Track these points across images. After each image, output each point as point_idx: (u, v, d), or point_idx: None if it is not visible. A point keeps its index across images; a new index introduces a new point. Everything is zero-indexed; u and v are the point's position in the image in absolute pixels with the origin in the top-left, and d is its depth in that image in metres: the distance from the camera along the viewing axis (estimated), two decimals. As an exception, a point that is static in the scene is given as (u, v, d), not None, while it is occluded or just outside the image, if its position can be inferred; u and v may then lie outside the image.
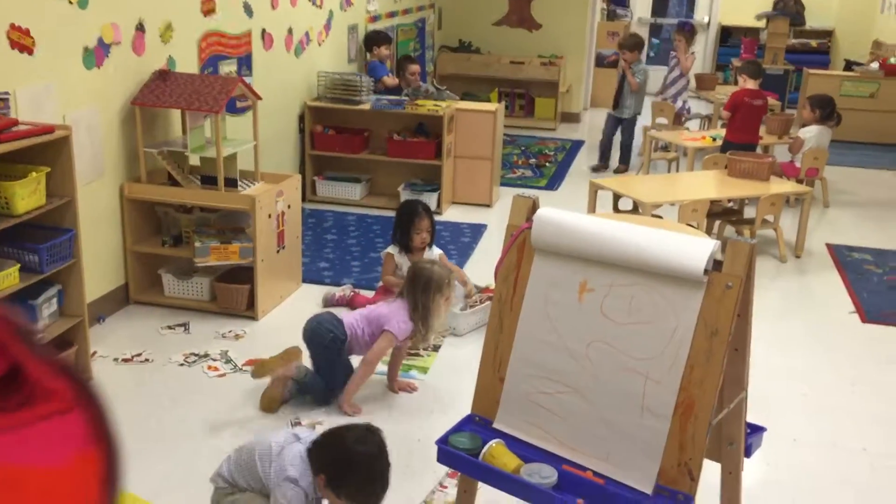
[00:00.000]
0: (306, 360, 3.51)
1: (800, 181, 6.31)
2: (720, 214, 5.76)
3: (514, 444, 2.25)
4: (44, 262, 3.18)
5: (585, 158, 8.10)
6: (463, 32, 9.45)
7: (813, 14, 11.50)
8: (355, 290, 4.51)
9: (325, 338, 3.40)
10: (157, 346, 3.87)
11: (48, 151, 3.19)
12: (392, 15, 7.77)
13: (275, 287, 4.35)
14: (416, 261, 3.61)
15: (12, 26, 3.34)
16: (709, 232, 5.62)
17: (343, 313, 3.49)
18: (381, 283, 4.40)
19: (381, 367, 3.55)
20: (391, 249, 4.33)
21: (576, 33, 9.38)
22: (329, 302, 4.43)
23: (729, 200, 5.74)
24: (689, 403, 2.02)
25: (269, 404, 3.37)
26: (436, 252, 4.41)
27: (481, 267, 4.92)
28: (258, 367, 3.37)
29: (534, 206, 2.32)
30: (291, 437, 2.44)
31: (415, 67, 6.84)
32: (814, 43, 11.36)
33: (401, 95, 6.39)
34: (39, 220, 3.18)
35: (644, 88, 7.44)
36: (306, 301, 4.46)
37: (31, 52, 3.45)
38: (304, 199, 5.89)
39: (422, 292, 3.39)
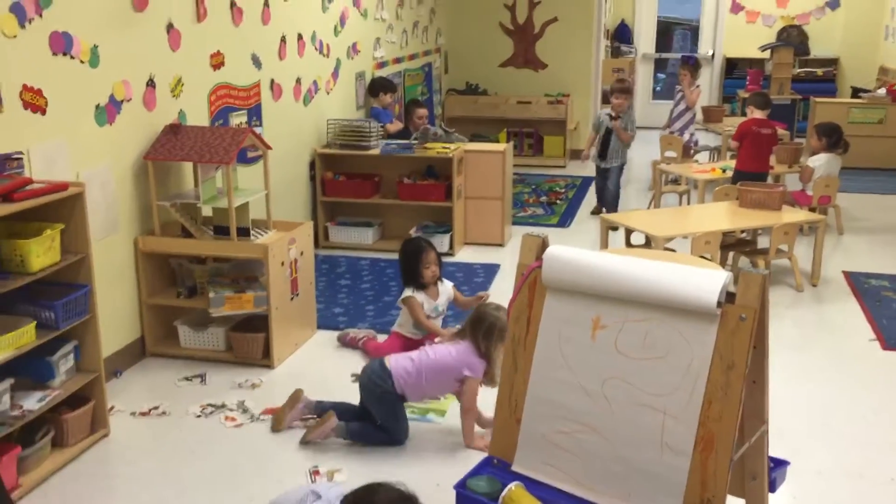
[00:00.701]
0: (315, 395, 3.68)
1: (812, 209, 6.29)
2: (734, 245, 5.73)
3: (533, 486, 2.22)
4: (59, 319, 3.20)
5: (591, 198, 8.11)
6: (469, 75, 9.55)
7: (817, 43, 11.56)
8: (369, 334, 4.48)
9: (374, 392, 3.42)
10: (173, 399, 3.86)
11: (62, 208, 3.22)
12: (399, 61, 7.87)
13: (290, 334, 4.34)
14: (481, 305, 3.60)
15: (25, 87, 3.40)
16: (723, 263, 5.59)
17: (392, 360, 3.48)
18: (394, 329, 4.41)
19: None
20: (410, 292, 4.32)
21: (581, 71, 9.46)
22: (343, 341, 4.45)
23: (742, 231, 5.72)
24: (708, 439, 2.00)
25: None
26: (448, 285, 4.41)
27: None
28: (274, 420, 3.58)
29: (543, 245, 2.32)
30: (311, 496, 2.33)
31: (422, 111, 6.90)
32: (819, 72, 11.40)
33: (409, 139, 6.45)
34: (55, 277, 3.20)
35: (633, 137, 7.29)
36: (322, 347, 4.45)
37: (43, 112, 3.51)
38: (316, 246, 5.90)
39: (484, 337, 3.39)
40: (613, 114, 6.98)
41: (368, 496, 2.00)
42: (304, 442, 3.44)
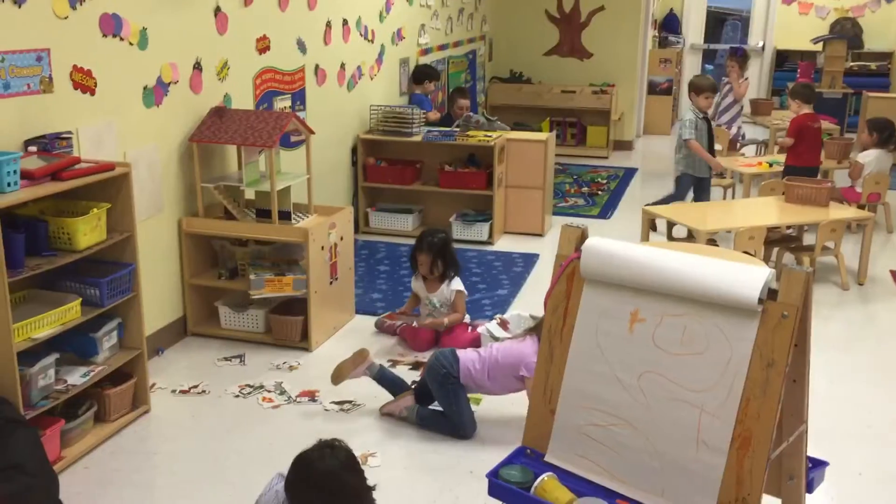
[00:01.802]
0: (377, 356, 4.01)
1: (861, 207, 6.16)
2: (778, 241, 5.64)
3: (566, 477, 2.22)
4: (104, 296, 3.26)
5: (639, 186, 8.03)
6: (514, 63, 9.50)
7: (871, 36, 11.28)
8: (406, 320, 4.50)
9: (438, 373, 3.44)
10: (213, 378, 3.92)
11: (109, 188, 3.28)
12: (443, 48, 7.85)
13: (328, 318, 4.38)
14: None
15: (75, 67, 3.46)
16: (766, 260, 5.50)
17: (462, 352, 3.52)
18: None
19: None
20: (414, 282, 4.45)
21: (627, 61, 9.36)
22: (380, 327, 4.50)
23: (787, 227, 5.62)
24: (746, 437, 1.97)
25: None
26: (452, 288, 4.34)
27: (534, 297, 4.90)
28: (335, 373, 3.70)
29: (582, 236, 2.31)
30: (277, 478, 2.37)
31: (465, 102, 6.87)
32: (873, 66, 11.12)
33: (451, 126, 6.44)
34: (100, 255, 3.26)
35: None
36: (359, 332, 4.49)
37: (93, 93, 3.57)
38: (356, 231, 5.94)
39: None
40: (703, 114, 6.10)
41: (301, 454, 2.23)
42: (382, 413, 3.55)
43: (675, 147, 6.29)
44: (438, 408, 3.48)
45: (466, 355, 3.47)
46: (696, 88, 6.13)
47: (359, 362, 3.69)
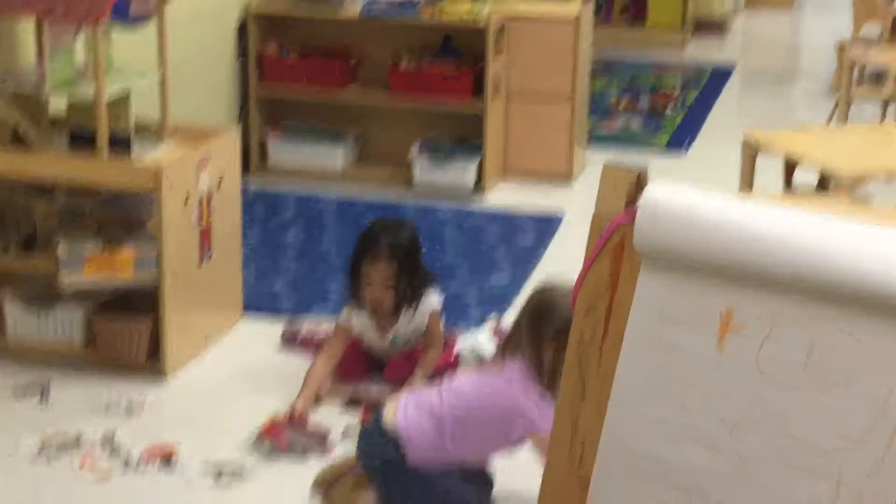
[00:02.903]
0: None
1: None
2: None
3: None
4: None
5: (738, 96, 8.07)
6: None
7: None
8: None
9: (372, 465, 3.45)
10: (-8, 426, 3.91)
11: None
12: None
13: (196, 322, 4.40)
14: (542, 288, 3.54)
15: None
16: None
17: (400, 412, 3.46)
18: None
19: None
20: (344, 313, 4.36)
21: None
22: (289, 340, 4.53)
23: None
24: (914, 527, 2.00)
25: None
26: (427, 307, 4.35)
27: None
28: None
29: (640, 183, 2.31)
30: None
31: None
32: None
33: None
34: None
35: None
36: (251, 346, 4.53)
37: None
38: (246, 171, 5.90)
39: (555, 345, 3.26)
40: None
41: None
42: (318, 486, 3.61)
43: None
44: None
45: (407, 416, 3.42)
46: None
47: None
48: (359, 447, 3.51)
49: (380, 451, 3.40)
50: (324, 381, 4.20)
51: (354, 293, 4.29)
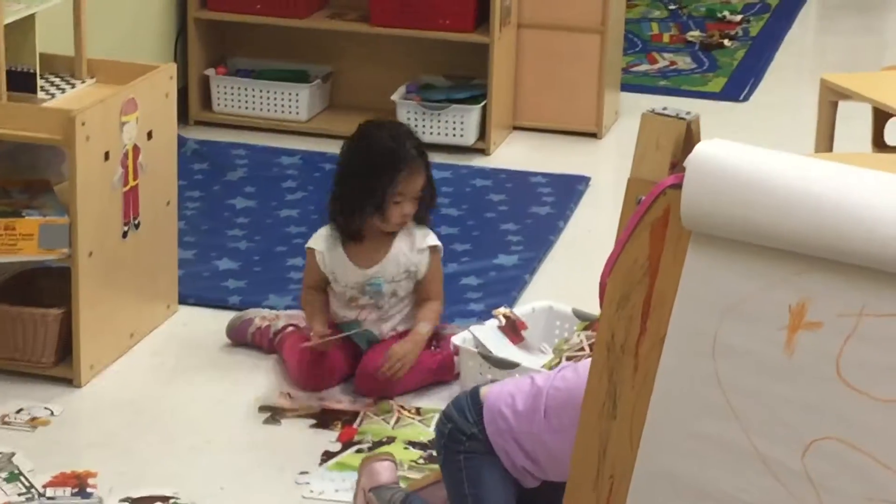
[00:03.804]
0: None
1: None
2: None
3: None
4: None
5: (814, 28, 8.06)
6: None
7: None
8: (292, 320, 4.55)
9: (442, 431, 3.49)
10: None
11: None
12: None
13: (119, 314, 4.41)
14: None
15: None
16: None
17: (495, 386, 3.52)
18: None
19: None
20: (317, 239, 4.44)
21: None
22: (237, 335, 4.56)
23: None
24: None
25: None
26: (422, 243, 4.42)
27: (577, 272, 4.95)
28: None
29: (689, 139, 2.31)
30: None
31: None
32: None
33: None
34: None
35: None
36: (190, 343, 4.55)
37: None
38: (184, 120, 5.96)
39: None
40: None
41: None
42: None
43: None
44: None
45: (501, 392, 3.47)
46: None
47: (375, 480, 3.71)
48: (444, 411, 3.54)
49: (458, 416, 3.44)
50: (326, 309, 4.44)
51: (356, 220, 4.34)
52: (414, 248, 4.40)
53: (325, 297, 4.44)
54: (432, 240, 4.43)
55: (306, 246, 4.46)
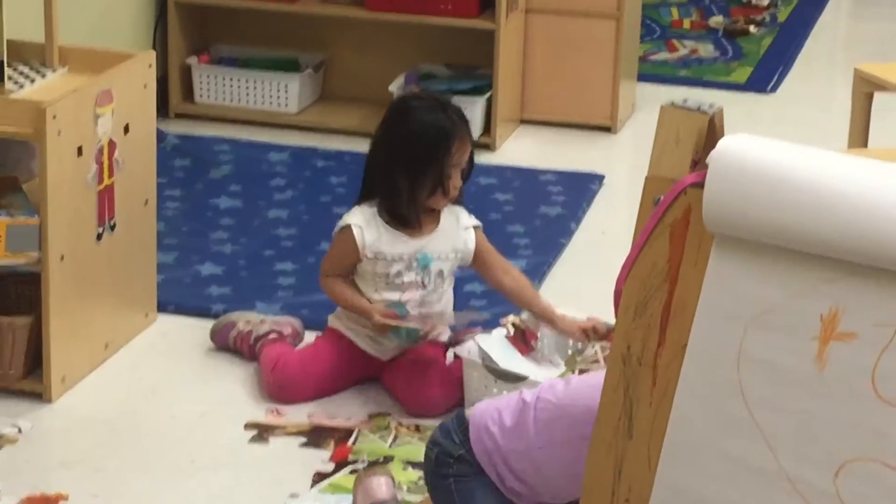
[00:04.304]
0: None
1: None
2: None
3: None
4: None
5: (848, 14, 8.07)
6: None
7: None
8: (277, 327, 4.54)
9: (429, 456, 3.55)
10: None
11: None
12: None
13: (93, 322, 4.38)
14: None
15: None
16: None
17: (481, 406, 3.54)
18: (331, 319, 4.55)
19: None
20: (354, 214, 4.38)
21: None
22: (218, 339, 4.57)
23: None
24: None
25: None
26: (466, 220, 4.48)
27: (590, 279, 4.96)
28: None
29: (711, 133, 2.29)
30: None
31: None
32: None
33: None
34: None
35: None
36: (169, 355, 4.53)
37: None
38: (164, 112, 5.98)
39: None
40: None
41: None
42: None
43: None
44: None
45: (488, 409, 3.48)
46: None
47: (371, 496, 3.75)
48: (431, 436, 3.57)
49: (444, 438, 3.46)
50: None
51: (409, 198, 4.36)
52: (459, 225, 4.45)
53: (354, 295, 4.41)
54: (474, 219, 4.50)
55: (341, 224, 4.38)
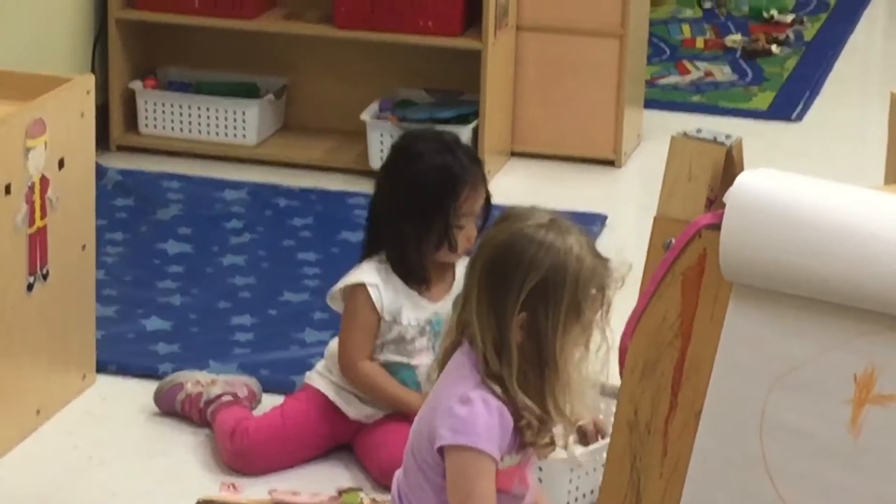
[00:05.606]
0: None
1: None
2: None
3: None
4: None
5: (882, 32, 8.11)
6: None
7: None
8: (230, 388, 4.54)
9: None
10: None
11: None
12: None
13: (22, 385, 4.37)
14: (497, 226, 3.54)
15: None
16: None
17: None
18: (310, 377, 4.46)
19: None
20: (367, 272, 4.37)
21: None
22: (163, 402, 4.56)
23: None
24: None
25: None
26: None
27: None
28: None
29: (729, 167, 2.31)
30: None
31: None
32: None
33: None
34: None
35: None
36: (109, 424, 4.50)
37: None
38: (104, 146, 5.99)
39: (502, 309, 3.19)
40: None
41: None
42: None
43: None
44: None
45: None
46: None
47: None
48: None
49: None
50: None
51: (417, 257, 4.36)
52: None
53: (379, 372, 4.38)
54: None
55: (351, 283, 4.37)
